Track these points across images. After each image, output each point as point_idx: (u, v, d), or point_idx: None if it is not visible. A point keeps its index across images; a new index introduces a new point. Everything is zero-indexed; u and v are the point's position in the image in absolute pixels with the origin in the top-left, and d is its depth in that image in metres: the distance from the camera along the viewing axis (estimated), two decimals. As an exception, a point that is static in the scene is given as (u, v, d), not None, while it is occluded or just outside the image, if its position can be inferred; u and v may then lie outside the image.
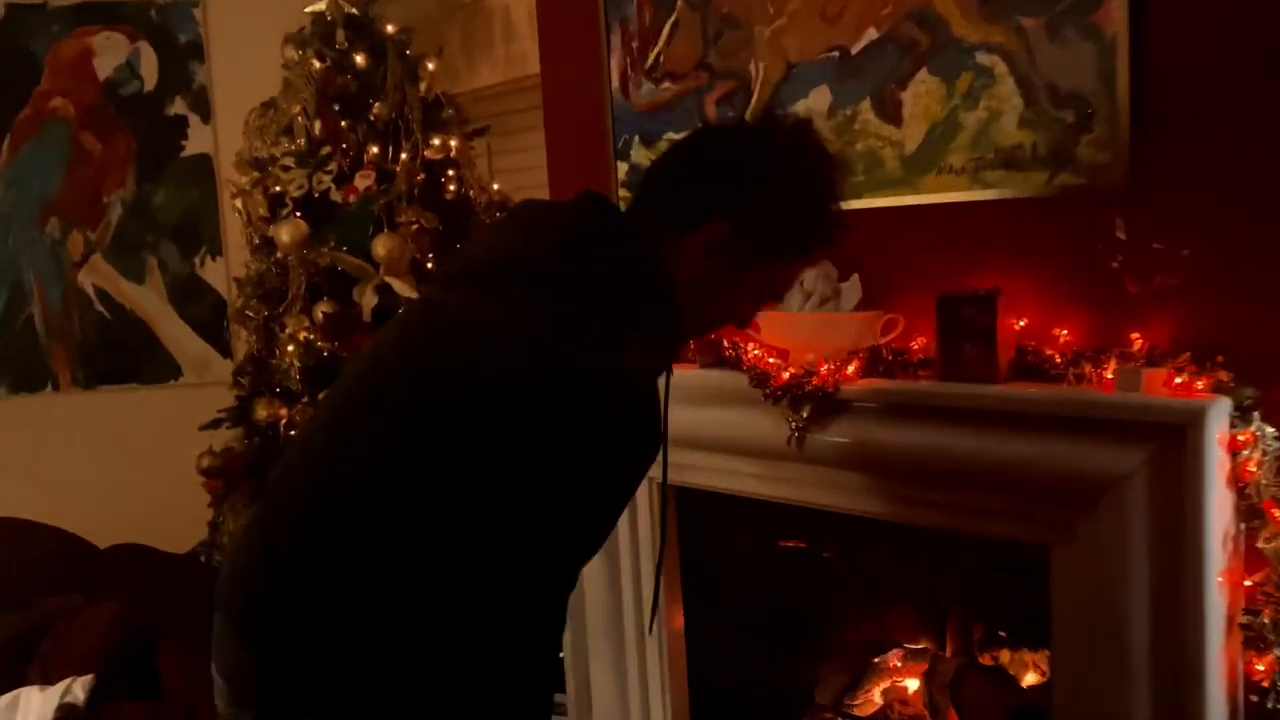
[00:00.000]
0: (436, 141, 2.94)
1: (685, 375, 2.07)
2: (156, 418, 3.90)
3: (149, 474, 3.56)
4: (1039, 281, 1.73)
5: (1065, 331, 1.70)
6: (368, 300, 2.86)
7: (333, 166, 2.96)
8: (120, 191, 4.05)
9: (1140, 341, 1.61)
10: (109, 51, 3.97)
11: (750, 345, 1.97)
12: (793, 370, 1.87)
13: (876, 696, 2.38)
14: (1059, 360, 1.66)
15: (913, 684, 2.36)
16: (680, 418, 2.07)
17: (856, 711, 2.36)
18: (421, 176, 2.98)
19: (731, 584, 2.37)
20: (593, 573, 2.36)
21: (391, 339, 1.24)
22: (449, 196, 3.10)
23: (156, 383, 4.07)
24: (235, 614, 1.17)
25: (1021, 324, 1.73)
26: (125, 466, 3.77)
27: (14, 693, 2.10)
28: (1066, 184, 1.69)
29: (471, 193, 3.13)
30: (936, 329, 1.73)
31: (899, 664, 2.41)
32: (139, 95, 3.91)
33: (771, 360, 1.92)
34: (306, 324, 2.92)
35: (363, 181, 2.94)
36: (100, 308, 4.06)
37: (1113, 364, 1.58)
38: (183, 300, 3.95)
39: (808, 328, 1.90)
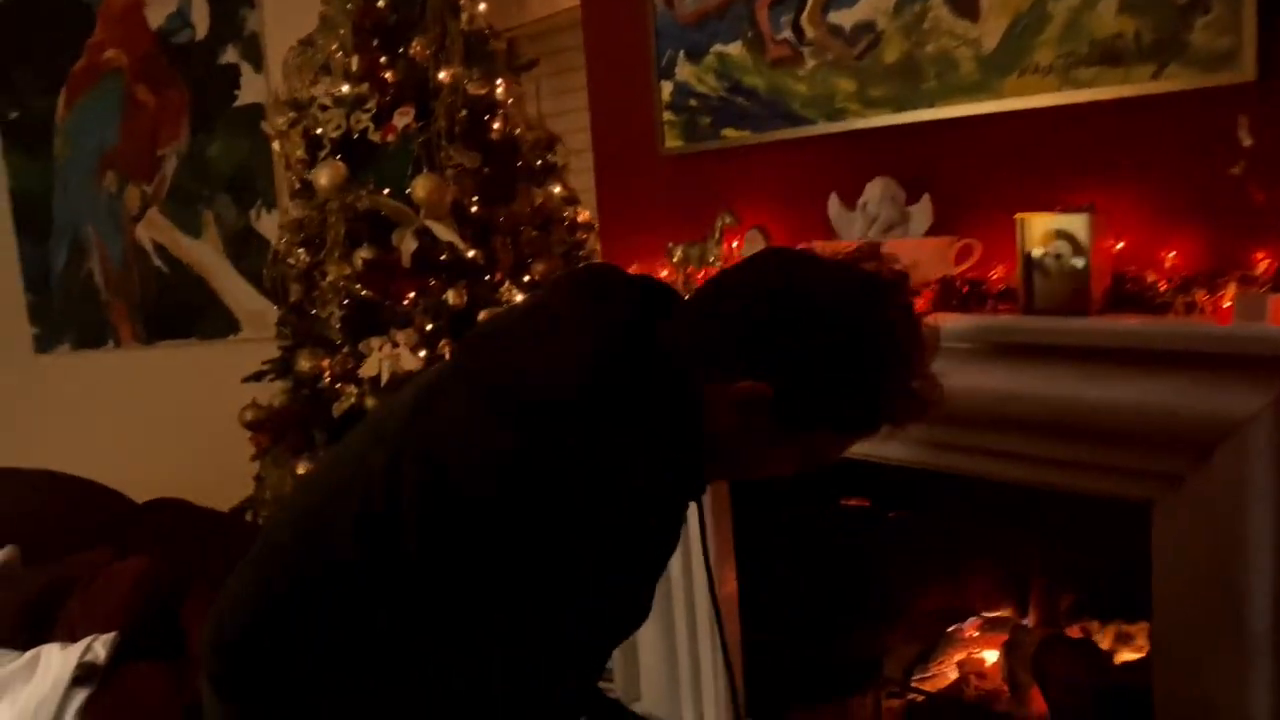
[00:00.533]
0: (479, 76, 2.76)
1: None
2: (213, 373, 3.83)
3: (205, 430, 3.49)
4: (1141, 196, 1.49)
5: (1173, 254, 1.45)
6: (407, 245, 2.71)
7: (371, 105, 2.80)
8: (175, 144, 3.98)
9: (1267, 262, 1.36)
10: (160, 0, 3.88)
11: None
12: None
13: (950, 669, 2.17)
14: (1165, 287, 1.42)
15: (991, 656, 2.14)
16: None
17: (928, 685, 2.15)
18: (463, 114, 2.81)
19: (790, 547, 2.18)
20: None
21: (401, 415, 1.13)
22: (495, 137, 2.92)
23: (215, 337, 4.02)
24: (209, 659, 1.13)
25: (1120, 246, 1.49)
26: (182, 423, 3.72)
27: (34, 650, 2.02)
28: (1176, 79, 1.43)
29: (518, 132, 2.95)
30: (1019, 254, 1.50)
31: (976, 634, 2.19)
32: (191, 44, 3.82)
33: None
34: (347, 271, 2.78)
35: (401, 120, 2.78)
36: (158, 262, 4.01)
37: (1232, 290, 1.34)
38: (239, 253, 3.87)
39: (870, 258, 1.67)
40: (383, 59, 2.82)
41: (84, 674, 1.97)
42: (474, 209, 2.82)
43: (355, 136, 2.82)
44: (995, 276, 1.59)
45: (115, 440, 3.74)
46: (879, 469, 1.81)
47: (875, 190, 1.68)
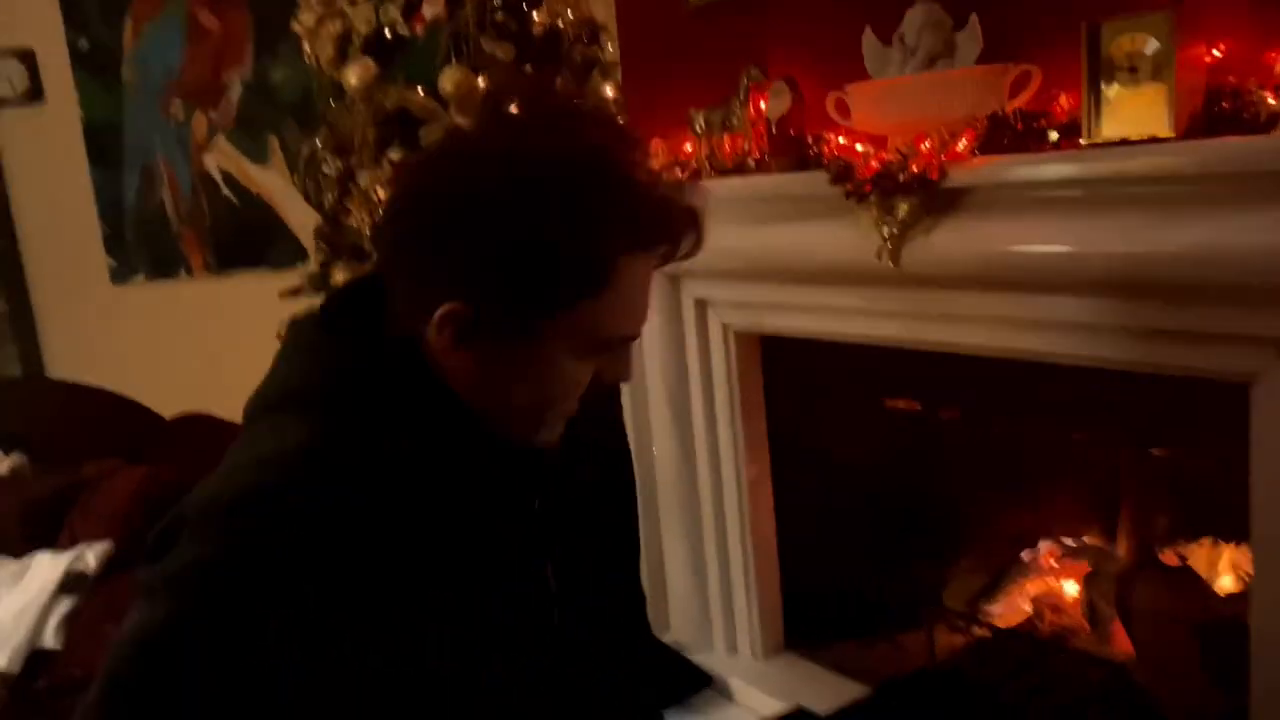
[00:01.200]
0: (510, -42, 2.53)
1: (755, 184, 1.61)
2: (283, 302, 3.78)
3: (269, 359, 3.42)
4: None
5: (1285, 61, 1.13)
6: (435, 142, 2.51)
7: (400, -5, 2.61)
8: (239, 69, 3.89)
9: None
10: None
11: (835, 135, 1.48)
12: (883, 156, 1.37)
13: (1022, 601, 1.88)
14: (1275, 101, 1.10)
15: (1071, 588, 1.85)
16: (751, 242, 1.63)
17: (997, 621, 1.87)
18: (497, 1, 2.59)
19: (830, 459, 1.92)
20: (662, 446, 1.96)
21: None
22: (536, 30, 2.69)
23: (283, 266, 3.95)
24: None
25: (1216, 54, 1.17)
26: (253, 350, 3.66)
27: (28, 557, 1.93)
28: None
29: (560, 23, 2.71)
30: (1084, 72, 1.19)
31: (1054, 563, 1.90)
32: (252, -34, 3.71)
33: (859, 148, 1.43)
34: (378, 175, 2.61)
35: (430, 9, 2.58)
36: (226, 191, 3.95)
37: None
38: (305, 180, 3.76)
39: (909, 96, 1.39)
40: (412, -56, 2.62)
41: (72, 582, 1.86)
42: (513, 107, 2.60)
43: (386, 33, 2.65)
44: (1059, 108, 1.29)
45: (188, 369, 3.71)
46: (928, 360, 1.54)
47: (915, 18, 1.39)
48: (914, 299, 1.46)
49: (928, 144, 1.34)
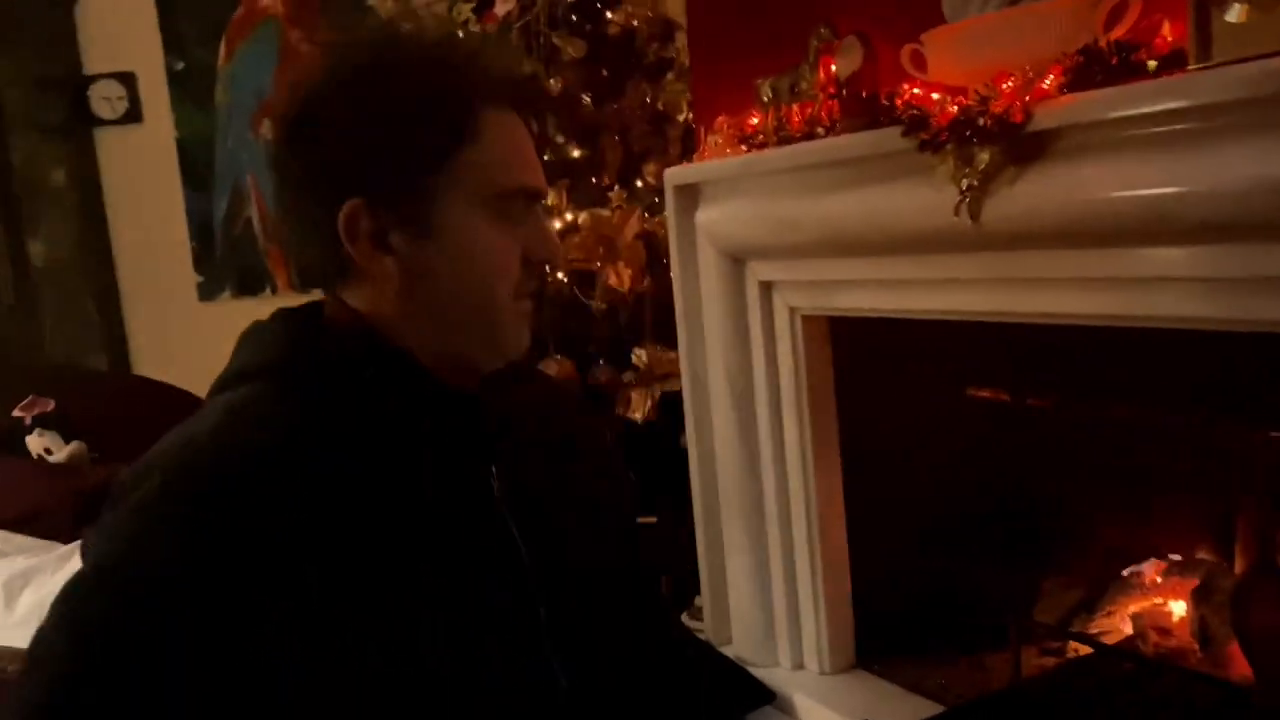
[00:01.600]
0: (582, -45, 2.49)
1: (821, 149, 1.50)
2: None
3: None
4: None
5: None
6: (503, 139, 2.46)
7: (473, -6, 2.59)
8: (327, 89, 3.93)
9: None
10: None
11: (909, 86, 1.36)
12: (961, 100, 1.24)
13: (1122, 622, 1.69)
14: None
15: (1179, 608, 1.65)
16: (818, 213, 1.52)
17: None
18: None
19: (908, 457, 1.76)
20: (724, 444, 1.83)
21: None
22: (612, 30, 2.64)
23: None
24: None
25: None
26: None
27: (76, 543, 1.90)
28: None
29: (636, 23, 2.66)
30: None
31: (1159, 579, 1.70)
32: (344, -11, 3.78)
33: (935, 96, 1.30)
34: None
35: (503, 6, 2.55)
36: (311, 209, 3.98)
37: None
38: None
39: (990, 37, 1.27)
40: (487, -56, 2.60)
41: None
42: (585, 101, 2.55)
43: (461, 32, 2.63)
44: (1162, 39, 1.15)
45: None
46: (1016, 338, 1.39)
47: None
48: (997, 262, 1.32)
49: (1010, 84, 1.20)
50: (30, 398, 2.38)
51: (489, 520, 0.97)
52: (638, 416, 2.46)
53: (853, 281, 1.56)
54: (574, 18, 2.57)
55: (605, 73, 2.58)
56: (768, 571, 1.82)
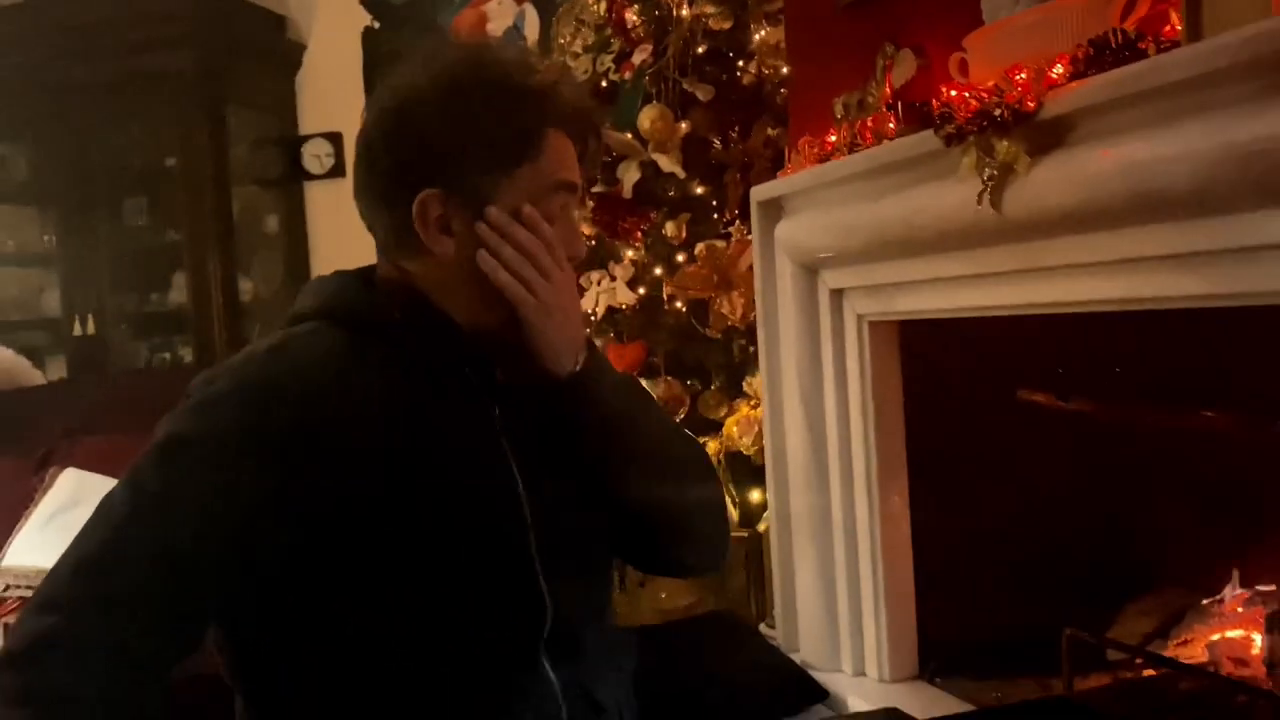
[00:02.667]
0: (713, 10, 2.66)
1: (871, 156, 1.58)
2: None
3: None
4: None
5: None
6: (630, 176, 2.65)
7: (615, 46, 2.81)
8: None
9: None
10: (500, 16, 4.23)
11: (946, 89, 1.43)
12: (982, 94, 1.31)
13: (1197, 651, 1.61)
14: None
15: (1260, 639, 1.56)
16: (870, 216, 1.59)
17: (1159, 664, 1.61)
18: (703, 48, 2.72)
19: (978, 468, 1.77)
20: (795, 450, 1.89)
21: None
22: (746, 79, 2.80)
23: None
24: None
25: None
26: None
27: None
28: None
29: (767, 71, 2.80)
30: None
31: (1241, 609, 1.62)
32: (524, 52, 4.14)
33: (967, 95, 1.37)
34: (583, 213, 2.78)
35: (639, 56, 2.75)
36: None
37: None
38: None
39: (1015, 36, 1.33)
40: (629, 2, 2.82)
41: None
42: (714, 144, 2.70)
43: (602, 82, 2.85)
44: (1169, 30, 1.18)
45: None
46: (1059, 330, 1.41)
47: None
48: (1022, 253, 1.36)
49: (1023, 75, 1.26)
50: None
51: (491, 453, 1.09)
52: (746, 442, 2.54)
53: (908, 284, 1.61)
54: (707, 68, 2.74)
55: (733, 116, 2.72)
56: (833, 580, 1.86)
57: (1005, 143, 1.30)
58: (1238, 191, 1.06)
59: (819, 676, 1.83)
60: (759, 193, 1.92)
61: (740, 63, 2.78)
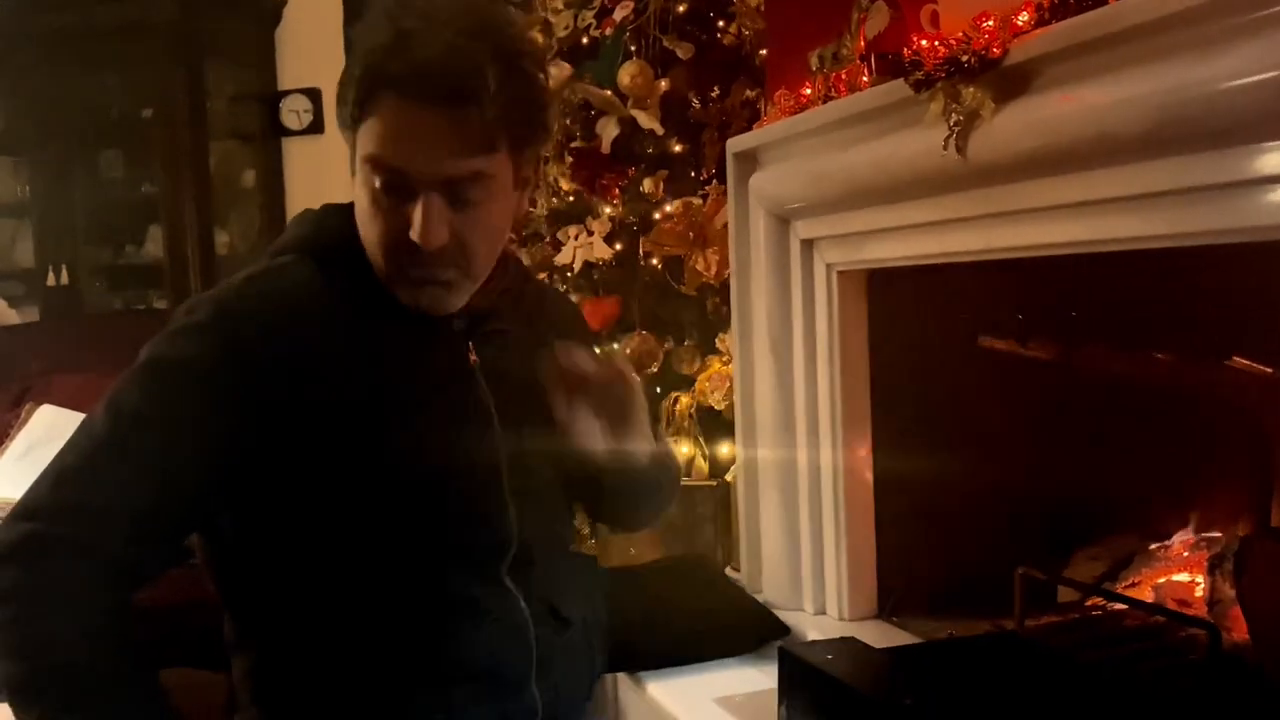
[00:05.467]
0: (696, -36, 2.69)
1: (841, 106, 1.62)
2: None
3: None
4: None
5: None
6: (608, 132, 2.68)
7: (596, 2, 2.83)
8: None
9: None
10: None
11: (917, 38, 1.47)
12: (949, 40, 1.35)
13: (1146, 592, 1.68)
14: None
15: (1202, 581, 1.63)
16: (839, 165, 1.63)
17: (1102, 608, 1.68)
18: (684, 7, 2.74)
19: (939, 416, 1.82)
20: (763, 396, 1.94)
21: None
22: (727, 40, 2.82)
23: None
24: None
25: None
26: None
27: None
28: None
29: (747, 33, 2.83)
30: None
31: (1188, 554, 1.69)
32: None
33: (932, 43, 1.41)
34: (562, 169, 2.81)
35: (620, 12, 2.77)
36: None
37: None
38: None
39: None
40: (610, -45, 2.83)
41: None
42: (694, 103, 2.73)
43: (583, 38, 2.87)
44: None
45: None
46: (1019, 278, 1.45)
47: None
48: (987, 198, 1.40)
49: (990, 22, 1.30)
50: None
51: (465, 390, 1.12)
52: (717, 398, 2.58)
53: (876, 232, 1.66)
54: (687, 27, 2.76)
55: (713, 75, 2.75)
56: (797, 523, 1.91)
57: (971, 89, 1.34)
58: (1193, 133, 1.10)
59: (781, 615, 1.88)
60: (734, 144, 1.95)
61: (721, 22, 2.81)
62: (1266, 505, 1.63)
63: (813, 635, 1.80)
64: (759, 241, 1.90)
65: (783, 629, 1.82)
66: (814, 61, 1.82)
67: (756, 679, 1.71)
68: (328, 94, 4.36)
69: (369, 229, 1.07)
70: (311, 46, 4.41)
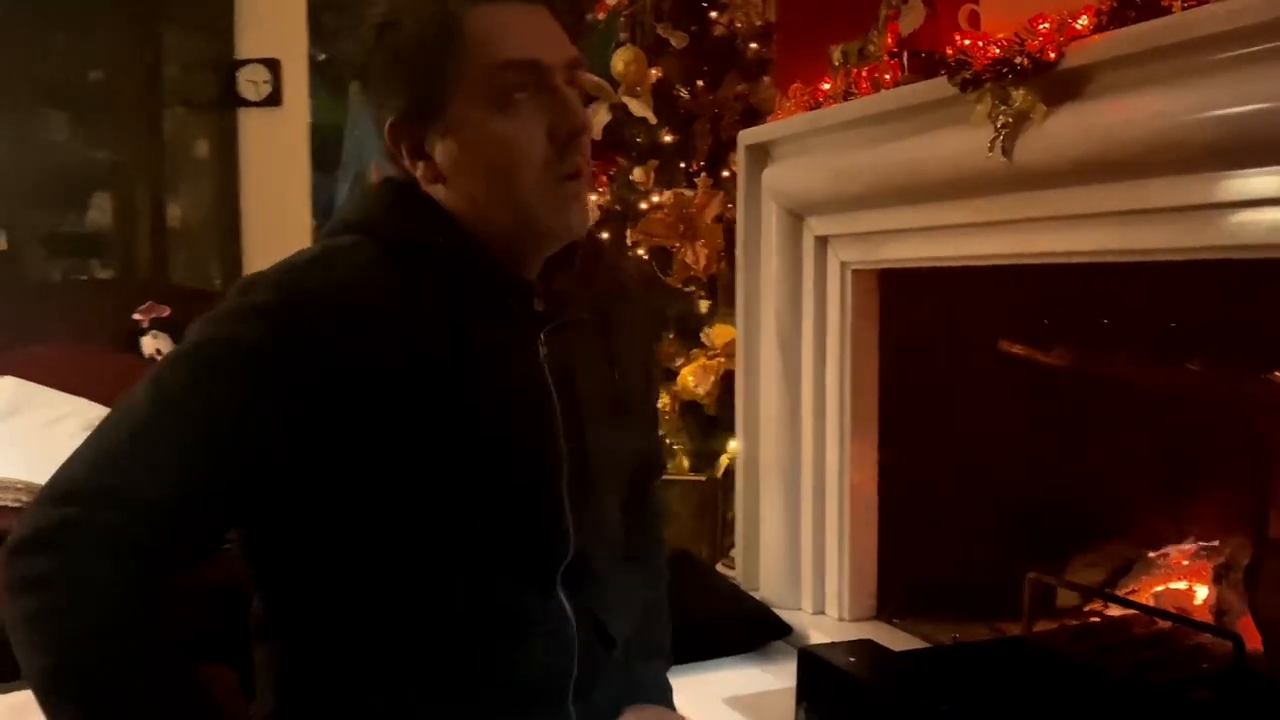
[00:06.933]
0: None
1: (876, 101, 1.60)
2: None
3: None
4: None
5: None
6: (599, 117, 2.63)
7: (591, -13, 2.77)
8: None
9: None
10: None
11: (960, 37, 1.45)
12: (1001, 41, 1.33)
13: (1146, 600, 1.69)
14: None
15: (1203, 591, 1.65)
16: (869, 163, 1.61)
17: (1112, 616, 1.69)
18: (675, -2, 2.71)
19: (947, 417, 1.82)
20: (769, 392, 1.92)
21: None
22: (717, 30, 2.80)
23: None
24: None
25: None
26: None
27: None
28: None
29: (739, 25, 2.80)
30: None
31: (1187, 562, 1.71)
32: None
33: (981, 43, 1.39)
34: (549, 154, 2.75)
35: (614, -2, 2.73)
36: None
37: None
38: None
39: (1035, -10, 1.35)
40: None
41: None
42: (683, 94, 2.70)
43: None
44: (1190, -11, 1.22)
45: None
46: (1050, 286, 1.45)
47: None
48: (1029, 202, 1.40)
49: (1046, 25, 1.29)
50: (149, 303, 2.61)
51: (533, 379, 1.04)
52: (700, 392, 2.56)
53: (900, 231, 1.64)
54: (681, 16, 2.73)
55: (705, 66, 2.72)
56: (798, 520, 1.89)
57: (1021, 91, 1.33)
58: (1254, 147, 1.11)
59: (780, 614, 1.86)
60: (747, 136, 1.93)
61: (714, 14, 2.78)
62: (1265, 516, 1.65)
63: (814, 635, 1.79)
64: (770, 236, 1.88)
65: (784, 628, 1.80)
66: (836, 56, 1.80)
67: (763, 679, 1.69)
68: (287, 65, 4.22)
69: (515, 148, 0.96)
70: (273, 15, 4.26)
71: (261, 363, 0.95)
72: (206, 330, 0.97)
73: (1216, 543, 1.72)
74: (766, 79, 2.77)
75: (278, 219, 4.31)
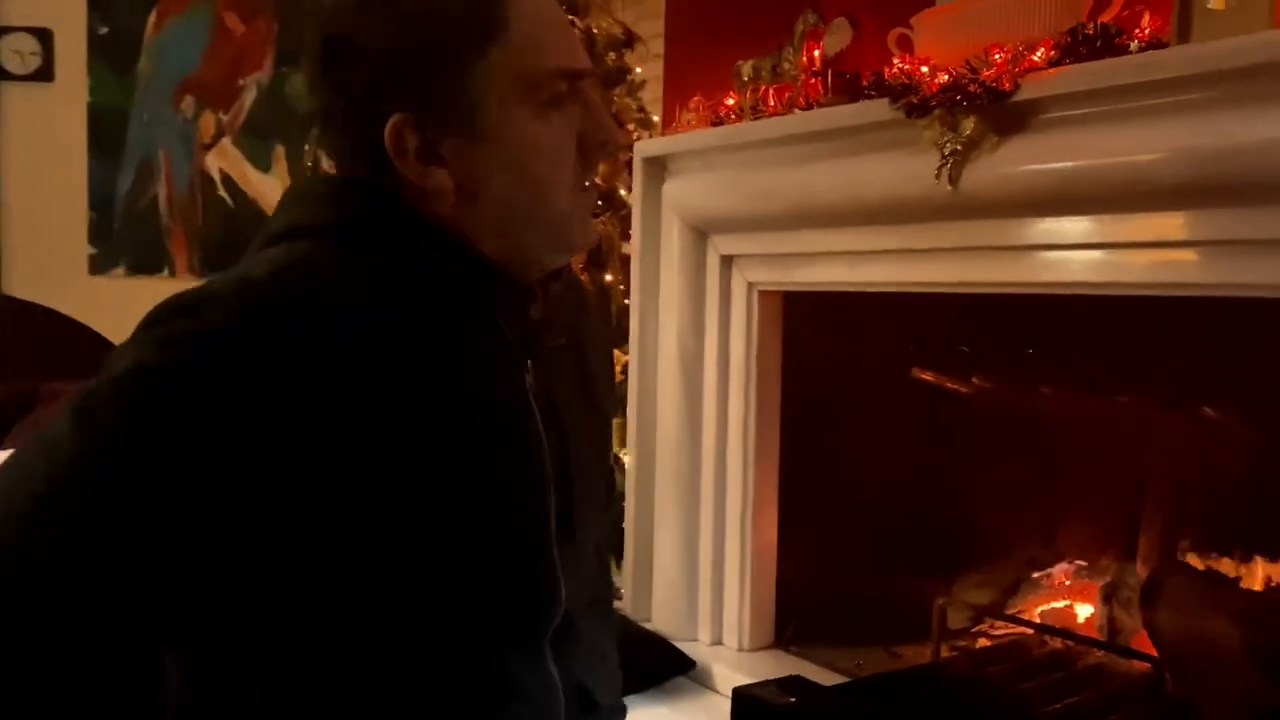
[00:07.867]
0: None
1: (805, 120, 1.56)
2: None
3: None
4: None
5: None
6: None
7: None
8: (257, 74, 3.89)
9: None
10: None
11: (898, 61, 1.43)
12: (952, 68, 1.32)
13: (1034, 619, 1.75)
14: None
15: (1085, 610, 1.72)
16: (791, 184, 1.57)
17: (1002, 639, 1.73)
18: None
19: (845, 441, 1.81)
20: (666, 415, 1.84)
21: None
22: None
23: (268, 276, 3.86)
24: None
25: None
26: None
27: (-35, 448, 1.76)
28: None
29: (596, 31, 2.72)
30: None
31: (1069, 582, 1.78)
32: (285, -28, 3.75)
33: (925, 69, 1.38)
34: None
35: None
36: (224, 193, 3.90)
37: None
38: (306, 192, 3.74)
39: (982, 20, 1.36)
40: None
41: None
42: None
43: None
44: (1142, 30, 1.25)
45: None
46: (976, 314, 1.45)
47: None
48: (967, 231, 1.39)
49: (1001, 55, 1.29)
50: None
51: (520, 414, 0.92)
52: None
53: (817, 255, 1.61)
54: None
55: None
56: (697, 547, 1.83)
57: (972, 119, 1.32)
58: (1217, 186, 1.14)
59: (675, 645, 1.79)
60: (643, 148, 1.85)
61: (570, 18, 2.68)
62: (1135, 536, 1.74)
63: (717, 668, 1.73)
64: (672, 253, 1.81)
65: (687, 662, 1.73)
66: (746, 71, 1.75)
67: (668, 716, 1.60)
68: (61, 35, 3.79)
69: (556, 157, 0.87)
70: (45, -21, 3.82)
71: (215, 403, 0.78)
72: (145, 355, 0.79)
73: (1085, 563, 1.80)
74: (620, 90, 2.71)
75: (47, 208, 3.87)
